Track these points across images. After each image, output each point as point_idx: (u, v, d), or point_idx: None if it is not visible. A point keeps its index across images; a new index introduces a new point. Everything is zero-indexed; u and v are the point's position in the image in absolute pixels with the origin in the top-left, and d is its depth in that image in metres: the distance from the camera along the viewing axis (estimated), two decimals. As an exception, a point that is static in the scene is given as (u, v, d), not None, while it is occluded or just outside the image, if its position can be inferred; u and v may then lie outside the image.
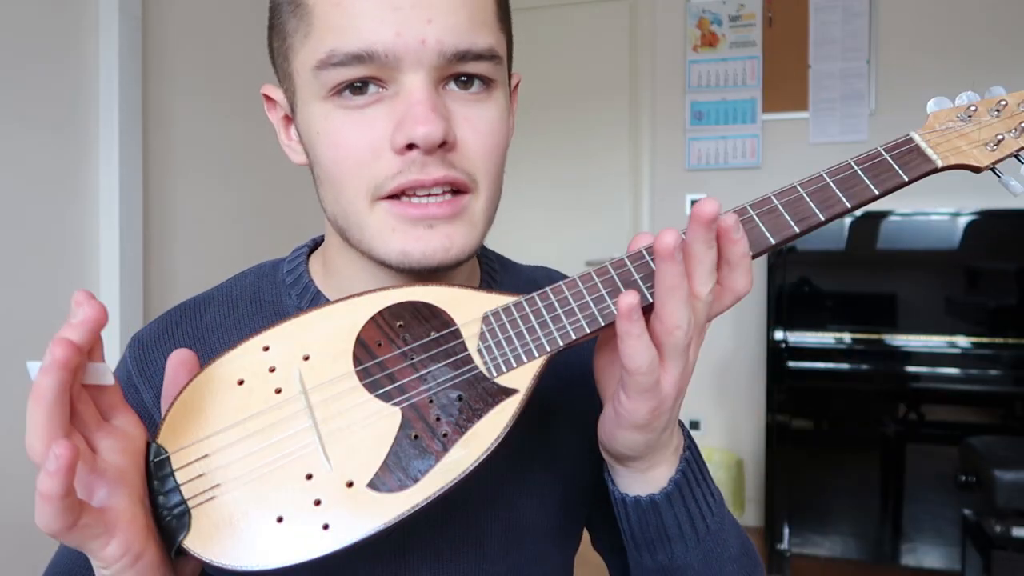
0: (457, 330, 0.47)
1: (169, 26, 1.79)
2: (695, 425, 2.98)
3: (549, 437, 0.62)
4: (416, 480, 0.43)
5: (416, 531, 0.56)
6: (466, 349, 0.47)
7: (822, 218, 0.49)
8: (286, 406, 0.45)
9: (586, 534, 0.70)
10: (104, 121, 1.59)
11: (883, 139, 0.52)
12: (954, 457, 2.15)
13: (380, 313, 0.48)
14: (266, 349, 0.47)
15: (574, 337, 0.46)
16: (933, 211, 2.44)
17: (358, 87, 0.50)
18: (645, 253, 0.48)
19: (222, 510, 0.42)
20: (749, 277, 0.47)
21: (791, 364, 2.48)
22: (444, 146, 0.50)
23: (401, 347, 0.47)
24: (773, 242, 0.48)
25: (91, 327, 0.39)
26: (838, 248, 2.52)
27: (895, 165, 0.50)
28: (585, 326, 0.47)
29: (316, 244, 0.66)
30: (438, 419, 0.45)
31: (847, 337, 2.48)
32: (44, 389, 0.37)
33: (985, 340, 2.36)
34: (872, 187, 0.49)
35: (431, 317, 0.48)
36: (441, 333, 0.47)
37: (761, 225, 0.48)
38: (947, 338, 2.39)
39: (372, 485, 0.43)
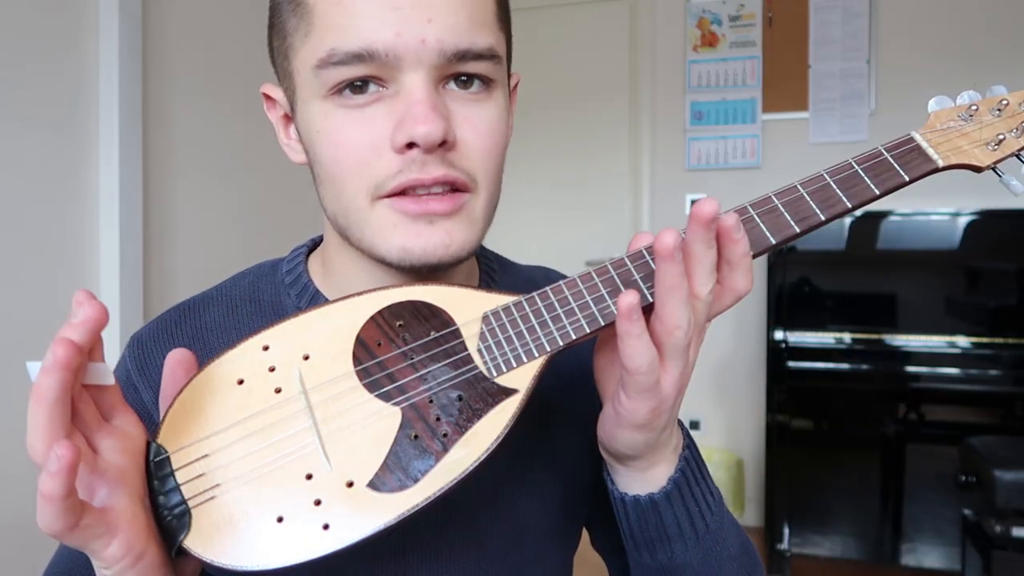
0: (457, 330, 0.47)
1: (169, 26, 1.79)
2: (695, 425, 2.98)
3: (549, 437, 0.62)
4: (416, 480, 0.43)
5: (416, 531, 0.56)
6: (466, 349, 0.47)
7: (823, 218, 0.49)
8: (286, 406, 0.45)
9: (585, 534, 0.70)
10: (104, 121, 1.59)
11: (883, 139, 0.52)
12: (954, 457, 2.15)
13: (380, 313, 0.48)
14: (266, 349, 0.47)
15: (574, 337, 0.46)
16: (933, 211, 2.44)
17: (358, 86, 0.50)
18: (645, 253, 0.48)
19: (222, 510, 0.42)
20: (749, 277, 0.48)
21: (791, 364, 2.48)
22: (444, 145, 0.50)
23: (401, 347, 0.47)
24: (773, 242, 0.48)
25: (92, 327, 0.39)
26: (838, 248, 2.52)
27: (896, 165, 0.50)
28: (585, 326, 0.47)
29: (315, 244, 0.66)
30: (438, 419, 0.45)
31: (847, 337, 2.48)
32: (45, 389, 0.37)
33: (985, 340, 2.36)
34: (873, 187, 0.49)
35: (431, 317, 0.48)
36: (441, 333, 0.47)
37: (761, 225, 0.48)
38: (947, 338, 2.39)
39: (372, 485, 0.43)
